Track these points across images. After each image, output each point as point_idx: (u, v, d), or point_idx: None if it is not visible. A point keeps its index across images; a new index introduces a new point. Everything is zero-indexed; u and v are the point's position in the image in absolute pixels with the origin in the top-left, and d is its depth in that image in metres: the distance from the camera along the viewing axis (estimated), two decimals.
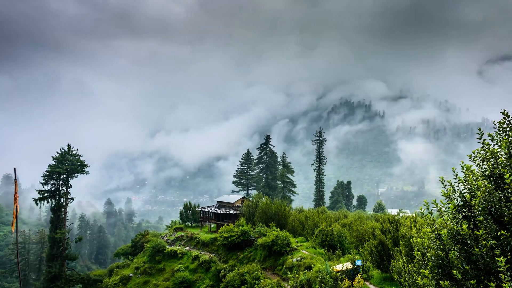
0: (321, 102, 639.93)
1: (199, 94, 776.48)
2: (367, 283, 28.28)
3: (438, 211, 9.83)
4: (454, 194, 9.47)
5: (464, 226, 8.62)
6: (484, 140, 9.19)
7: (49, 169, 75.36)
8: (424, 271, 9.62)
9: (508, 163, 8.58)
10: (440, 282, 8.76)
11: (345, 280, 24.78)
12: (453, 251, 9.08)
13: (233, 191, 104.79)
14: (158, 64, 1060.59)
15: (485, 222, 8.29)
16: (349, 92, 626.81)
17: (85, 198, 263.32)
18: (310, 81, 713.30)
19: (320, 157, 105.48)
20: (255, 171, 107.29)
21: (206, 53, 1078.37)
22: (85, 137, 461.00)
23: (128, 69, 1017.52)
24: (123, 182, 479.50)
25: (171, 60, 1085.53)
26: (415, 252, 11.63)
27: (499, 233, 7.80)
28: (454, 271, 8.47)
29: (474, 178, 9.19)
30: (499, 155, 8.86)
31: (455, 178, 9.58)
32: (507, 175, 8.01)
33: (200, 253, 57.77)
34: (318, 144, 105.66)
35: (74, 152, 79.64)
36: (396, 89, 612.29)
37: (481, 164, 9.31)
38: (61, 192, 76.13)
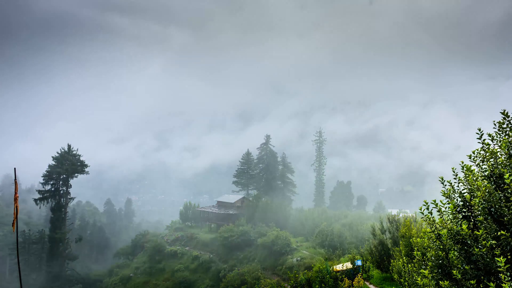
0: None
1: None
2: (367, 283, 28.28)
3: (438, 211, 9.83)
4: (454, 194, 9.46)
5: (464, 226, 8.61)
6: (484, 140, 9.19)
7: (49, 169, 75.41)
8: (424, 271, 9.62)
9: (508, 163, 8.57)
10: (440, 282, 8.75)
11: (345, 280, 24.77)
12: (453, 251, 9.08)
13: (233, 191, 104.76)
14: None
15: (485, 222, 8.28)
16: (349, 91, 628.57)
17: (85, 198, 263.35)
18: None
19: (320, 157, 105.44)
20: (255, 171, 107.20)
21: None
22: (84, 137, 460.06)
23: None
24: (123, 181, 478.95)
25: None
26: (415, 252, 11.63)
27: (499, 233, 7.79)
28: (454, 271, 8.46)
29: (474, 178, 9.17)
30: (499, 155, 8.86)
31: (455, 178, 9.57)
32: (507, 175, 8.00)
33: (200, 253, 57.74)
34: (318, 144, 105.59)
35: (74, 152, 79.65)
36: (398, 92, 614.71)
37: (481, 164, 9.30)
38: (61, 192, 76.20)
